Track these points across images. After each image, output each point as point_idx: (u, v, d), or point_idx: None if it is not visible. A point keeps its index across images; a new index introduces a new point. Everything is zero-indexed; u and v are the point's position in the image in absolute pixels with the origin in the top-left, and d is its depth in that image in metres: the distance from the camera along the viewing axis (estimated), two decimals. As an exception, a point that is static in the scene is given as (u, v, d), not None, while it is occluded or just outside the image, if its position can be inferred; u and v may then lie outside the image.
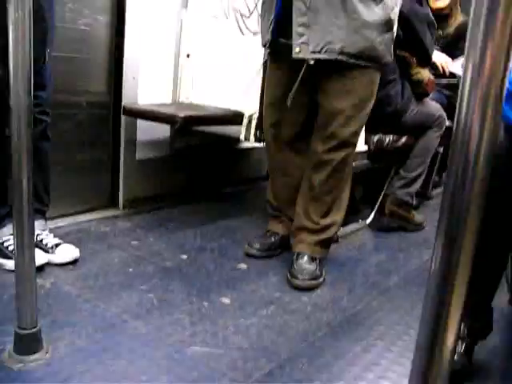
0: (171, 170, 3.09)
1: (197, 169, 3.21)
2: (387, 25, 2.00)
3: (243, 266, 2.26)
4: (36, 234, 2.07)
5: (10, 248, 2.01)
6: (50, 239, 2.13)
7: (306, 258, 2.17)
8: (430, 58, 2.77)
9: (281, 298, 2.00)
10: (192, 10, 2.97)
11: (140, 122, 2.84)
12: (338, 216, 2.25)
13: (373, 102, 2.14)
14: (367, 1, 1.92)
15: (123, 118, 2.78)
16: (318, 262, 2.18)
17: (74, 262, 2.11)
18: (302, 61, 1.97)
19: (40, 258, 1.95)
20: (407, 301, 2.03)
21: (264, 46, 2.16)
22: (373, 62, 2.03)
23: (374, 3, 1.94)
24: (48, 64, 1.94)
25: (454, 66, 3.31)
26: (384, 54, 2.05)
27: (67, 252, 2.11)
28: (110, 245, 2.37)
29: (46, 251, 2.07)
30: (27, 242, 1.30)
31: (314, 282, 2.10)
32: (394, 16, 2.04)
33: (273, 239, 2.38)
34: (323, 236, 2.21)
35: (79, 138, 2.63)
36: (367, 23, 1.93)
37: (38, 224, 2.11)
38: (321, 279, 2.13)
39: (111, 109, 2.81)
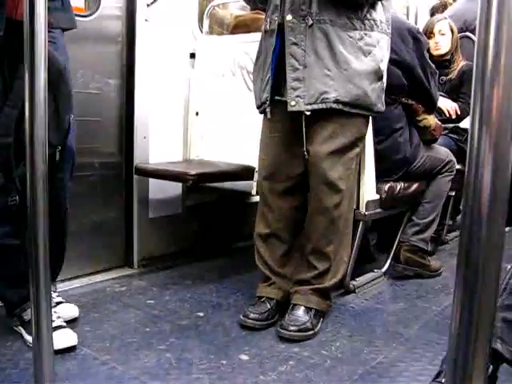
0: (184, 227, 3.10)
1: (209, 225, 3.22)
2: (377, 74, 2.07)
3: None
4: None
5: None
6: (52, 297, 2.08)
7: (300, 310, 2.13)
8: (435, 104, 2.81)
9: (300, 352, 1.96)
10: (199, 70, 3.04)
11: (152, 181, 2.88)
12: (341, 268, 2.22)
13: (358, 150, 2.16)
14: (357, 52, 2.00)
15: (135, 177, 2.82)
16: (313, 314, 2.12)
17: (73, 321, 2.10)
18: (296, 114, 2.03)
19: (70, 339, 1.91)
20: (429, 350, 1.99)
21: (259, 106, 2.19)
22: (365, 110, 2.08)
23: (363, 55, 2.02)
24: (72, 129, 1.94)
25: (465, 122, 3.36)
26: (376, 102, 2.10)
27: (66, 311, 2.09)
28: (125, 304, 2.36)
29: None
30: (44, 308, 1.29)
31: (301, 334, 2.04)
32: (383, 67, 2.11)
33: (268, 306, 2.21)
34: (320, 286, 2.17)
35: (92, 199, 2.67)
36: (358, 72, 2.00)
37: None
38: (310, 332, 2.06)
39: (123, 169, 2.85)
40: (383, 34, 2.10)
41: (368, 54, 2.03)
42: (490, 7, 0.62)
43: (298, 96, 2.00)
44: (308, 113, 2.00)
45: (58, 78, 1.81)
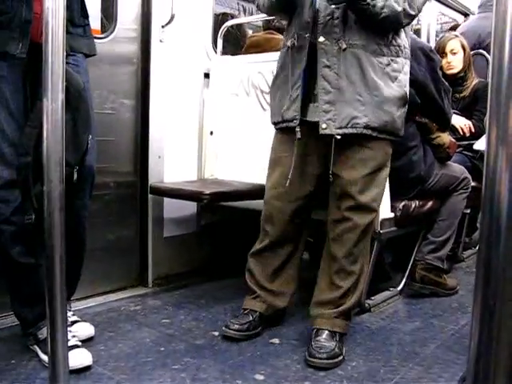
0: (199, 246, 3.11)
1: (224, 244, 3.22)
2: (403, 100, 2.11)
3: (276, 340, 2.23)
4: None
5: None
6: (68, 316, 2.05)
7: (325, 334, 2.10)
8: (449, 122, 2.80)
9: (315, 372, 1.95)
10: (213, 90, 3.07)
11: (167, 200, 2.89)
12: (361, 286, 2.21)
13: (388, 170, 2.19)
14: (385, 79, 2.03)
15: (150, 196, 2.84)
16: (338, 338, 2.10)
17: (88, 340, 2.09)
18: (323, 136, 2.04)
19: (85, 358, 1.91)
20: (446, 370, 1.96)
21: (280, 122, 2.18)
22: (392, 135, 2.12)
23: (390, 81, 2.05)
24: (92, 149, 1.96)
25: (479, 143, 3.34)
26: (401, 127, 2.14)
27: (82, 330, 2.09)
28: (140, 324, 2.36)
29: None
30: (59, 327, 1.30)
31: (331, 362, 2.01)
32: (408, 92, 2.14)
33: (251, 317, 2.25)
34: (344, 307, 2.15)
35: (107, 218, 2.68)
36: (387, 99, 2.03)
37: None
38: (340, 358, 2.03)
39: (138, 188, 2.87)
40: (407, 60, 2.13)
41: (395, 79, 2.06)
42: (504, 26, 0.63)
43: (329, 119, 2.01)
44: (339, 137, 2.01)
45: (77, 98, 1.84)
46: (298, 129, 2.08)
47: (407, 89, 2.13)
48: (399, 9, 1.94)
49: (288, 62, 2.13)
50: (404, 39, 2.11)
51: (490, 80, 0.64)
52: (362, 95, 2.00)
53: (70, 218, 2.01)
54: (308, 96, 2.10)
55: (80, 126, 1.86)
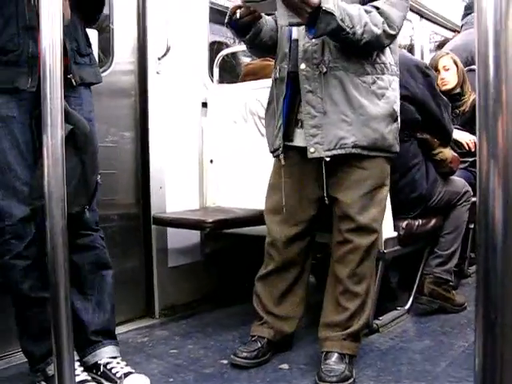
0: (204, 274, 3.11)
1: (229, 271, 3.22)
2: (392, 116, 2.10)
3: (285, 366, 2.21)
4: (106, 361, 2.03)
5: (114, 371, 1.99)
6: (120, 368, 2.02)
7: (334, 357, 2.08)
8: (450, 137, 2.81)
9: (326, 396, 1.94)
10: (211, 118, 3.10)
11: (170, 230, 2.90)
12: (368, 307, 2.20)
13: (387, 188, 2.19)
14: (371, 97, 2.04)
15: (153, 227, 2.85)
16: (347, 360, 2.08)
17: None
18: (315, 159, 2.06)
19: None
20: (458, 388, 1.95)
21: (272, 151, 2.24)
22: (383, 151, 2.11)
23: (376, 98, 2.05)
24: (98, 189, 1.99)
25: None
26: (393, 143, 2.13)
27: (136, 383, 2.00)
28: (148, 355, 2.35)
29: (114, 381, 1.97)
30: (66, 362, 1.29)
31: None
32: (397, 108, 2.14)
33: (259, 344, 2.25)
34: (353, 329, 2.13)
35: (111, 251, 2.66)
36: (374, 116, 2.03)
37: (109, 350, 2.07)
38: (350, 380, 2.01)
39: (141, 219, 2.89)
40: (394, 76, 2.14)
41: (382, 96, 2.06)
42: (487, 43, 0.64)
43: (316, 143, 2.03)
44: (328, 159, 2.03)
45: (84, 141, 1.88)
46: (281, 156, 2.14)
47: (397, 105, 2.13)
48: (379, 32, 1.96)
49: (274, 93, 2.20)
50: (389, 56, 2.12)
51: (477, 96, 0.65)
52: (347, 115, 2.01)
53: (88, 256, 2.05)
54: (294, 122, 2.13)
55: (88, 168, 1.90)
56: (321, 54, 2.02)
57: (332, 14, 1.80)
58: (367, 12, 1.94)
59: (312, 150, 2.04)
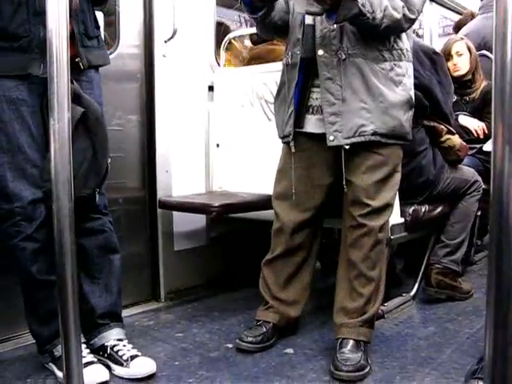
0: (210, 258, 3.11)
1: (235, 255, 3.22)
2: (409, 103, 2.10)
3: (290, 350, 2.22)
4: (113, 344, 2.04)
5: (120, 353, 2.01)
6: (126, 350, 2.03)
7: (350, 344, 2.06)
8: (449, 124, 2.78)
9: (331, 381, 1.94)
10: (218, 102, 3.08)
11: (176, 214, 2.90)
12: (381, 292, 2.20)
13: (399, 174, 2.18)
14: (389, 84, 2.03)
15: (159, 211, 2.85)
16: (363, 348, 2.07)
17: (150, 377, 1.98)
18: (324, 145, 2.05)
19: (101, 374, 1.92)
20: (463, 374, 1.94)
21: (282, 137, 2.23)
22: (401, 139, 2.11)
23: (394, 85, 2.04)
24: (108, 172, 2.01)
25: (489, 144, 3.34)
26: (409, 131, 2.13)
27: (142, 366, 1.99)
28: (154, 338, 2.36)
29: (121, 364, 1.98)
30: (73, 344, 1.29)
31: (358, 374, 1.97)
32: (413, 95, 2.13)
33: (264, 329, 2.25)
34: (368, 315, 2.12)
35: (117, 234, 2.68)
36: (393, 104, 2.02)
37: (116, 333, 2.08)
38: (366, 369, 2.00)
39: (147, 203, 2.89)
40: (410, 63, 2.13)
41: (399, 83, 2.05)
42: (506, 26, 0.63)
43: (336, 130, 2.02)
44: (347, 147, 2.02)
45: (95, 125, 1.90)
46: (291, 143, 2.14)
47: (412, 92, 2.13)
48: (399, 16, 1.94)
49: (285, 79, 2.18)
50: (406, 42, 2.10)
51: (493, 81, 0.64)
52: (366, 103, 2.00)
53: (100, 239, 2.07)
54: (304, 108, 2.12)
55: (99, 151, 1.92)
56: (339, 40, 2.00)
57: (354, 0, 1.79)
58: None
59: (331, 137, 2.03)
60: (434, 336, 2.36)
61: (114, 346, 2.04)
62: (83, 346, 1.92)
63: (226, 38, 3.20)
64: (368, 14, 1.85)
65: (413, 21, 2.03)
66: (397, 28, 1.99)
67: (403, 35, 2.09)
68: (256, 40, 3.40)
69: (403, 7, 1.94)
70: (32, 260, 1.89)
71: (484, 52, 3.76)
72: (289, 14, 2.20)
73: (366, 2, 1.83)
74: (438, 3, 5.01)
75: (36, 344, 2.03)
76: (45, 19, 1.56)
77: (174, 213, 2.90)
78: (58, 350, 1.92)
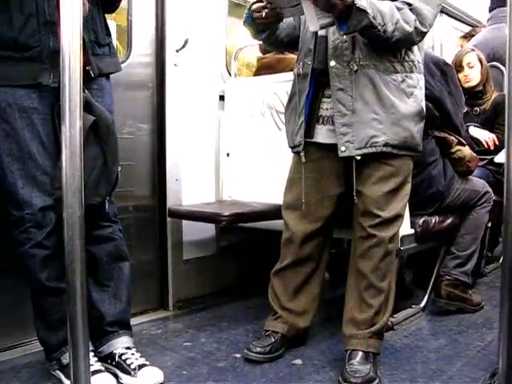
0: (219, 268, 3.11)
1: (244, 265, 3.22)
2: (420, 115, 2.10)
3: (298, 361, 2.20)
4: (121, 352, 2.03)
5: (128, 362, 2.00)
6: (134, 359, 2.02)
7: (359, 356, 2.05)
8: (460, 135, 2.78)
9: (340, 392, 1.93)
10: (229, 111, 3.09)
11: (185, 223, 2.90)
12: (391, 304, 2.18)
13: (409, 185, 2.17)
14: (401, 95, 2.03)
15: (169, 219, 2.85)
16: (372, 359, 2.05)
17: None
18: (335, 156, 2.05)
19: (108, 383, 1.91)
20: (473, 388, 1.93)
21: (292, 147, 2.23)
22: (412, 151, 2.11)
23: (406, 97, 2.04)
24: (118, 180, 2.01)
25: (500, 156, 3.33)
26: (419, 142, 2.13)
27: (150, 375, 1.98)
28: (162, 347, 2.36)
29: (128, 373, 1.97)
30: (81, 352, 1.29)
31: None
32: (424, 107, 2.13)
33: (272, 339, 2.23)
34: (378, 326, 2.10)
35: (127, 242, 2.68)
36: (404, 115, 2.02)
37: (125, 340, 2.08)
38: (376, 382, 1.97)
39: (157, 212, 2.89)
40: (421, 74, 2.13)
41: (410, 95, 2.05)
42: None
43: (347, 141, 2.02)
44: (359, 157, 2.02)
45: (106, 133, 1.92)
46: (302, 154, 2.14)
47: (423, 103, 2.13)
48: (410, 29, 1.94)
49: (296, 89, 2.18)
50: (417, 54, 2.11)
51: (506, 92, 0.64)
52: (378, 114, 2.00)
53: (110, 246, 2.07)
54: (315, 118, 2.13)
55: (109, 159, 1.93)
56: (351, 51, 2.00)
57: (365, 11, 1.79)
58: (398, 9, 1.92)
59: (343, 148, 2.03)
60: (444, 348, 2.34)
61: (123, 354, 2.03)
62: (91, 353, 1.92)
63: (237, 48, 3.21)
64: (379, 27, 1.85)
65: (424, 34, 2.02)
66: (408, 41, 2.00)
67: (415, 47, 2.09)
68: (266, 49, 3.41)
69: (415, 20, 1.94)
70: (41, 267, 1.90)
71: (495, 63, 3.76)
72: (298, 29, 2.22)
73: (378, 14, 1.84)
74: (448, 15, 5.02)
75: (44, 351, 2.03)
76: (55, 29, 1.58)
77: (184, 222, 2.91)
78: (66, 358, 1.91)
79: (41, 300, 1.96)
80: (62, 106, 1.18)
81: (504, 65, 3.30)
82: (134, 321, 2.63)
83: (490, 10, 4.47)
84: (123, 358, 2.02)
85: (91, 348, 1.95)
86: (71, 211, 1.21)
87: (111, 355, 2.04)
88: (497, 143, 3.45)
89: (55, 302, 1.92)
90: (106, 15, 2.09)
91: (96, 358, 1.99)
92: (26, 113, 1.86)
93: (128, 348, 2.06)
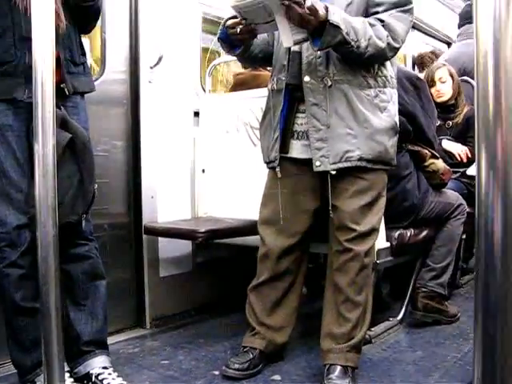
0: (196, 284, 3.09)
1: (221, 281, 3.20)
2: (393, 129, 2.13)
3: (277, 377, 2.20)
4: (98, 372, 2.00)
5: (105, 382, 1.97)
6: (111, 379, 2.00)
7: (337, 370, 2.05)
8: (434, 149, 2.81)
9: (319, 407, 1.92)
10: (204, 127, 3.09)
11: (161, 240, 2.88)
12: (368, 317, 2.19)
13: (384, 199, 2.19)
14: (374, 110, 2.05)
15: (145, 237, 2.83)
16: (351, 374, 2.06)
17: None
18: (310, 170, 2.07)
19: None
20: (451, 399, 1.94)
21: (268, 162, 2.24)
22: (386, 164, 2.14)
23: (379, 111, 2.06)
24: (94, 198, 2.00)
25: (472, 169, 3.39)
26: (393, 156, 2.16)
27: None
28: (139, 366, 2.33)
29: None
30: (56, 373, 1.27)
31: None
32: (397, 121, 2.16)
33: (251, 355, 2.22)
34: (356, 340, 2.11)
35: (102, 260, 2.65)
36: (378, 129, 2.05)
37: (101, 360, 2.05)
38: None
39: (132, 229, 2.87)
40: (394, 89, 2.16)
41: (384, 110, 2.08)
42: (486, 53, 0.64)
43: (322, 156, 2.03)
44: (334, 172, 2.03)
45: (82, 150, 1.91)
46: (277, 169, 2.15)
47: (397, 118, 2.15)
48: (383, 45, 1.97)
49: (270, 105, 2.20)
50: (390, 69, 2.14)
51: (475, 107, 0.65)
52: (352, 128, 2.02)
53: (86, 265, 2.05)
54: (290, 133, 2.14)
55: (86, 177, 1.92)
56: (325, 66, 2.03)
57: (338, 28, 1.82)
58: (371, 25, 1.95)
59: (318, 163, 2.04)
60: (421, 360, 2.35)
61: (99, 374, 2.00)
62: (67, 374, 1.89)
63: (212, 65, 3.22)
64: (352, 43, 1.88)
65: (397, 49, 2.06)
66: (381, 56, 2.02)
67: (387, 62, 2.12)
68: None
69: (387, 36, 1.97)
70: (16, 287, 1.87)
71: (465, 78, 3.82)
72: (272, 45, 2.24)
73: (351, 30, 1.86)
74: (420, 30, 5.10)
75: (17, 374, 1.99)
76: (30, 45, 1.57)
77: (160, 239, 2.88)
78: (41, 380, 1.88)
79: (15, 320, 1.92)
80: (35, 124, 1.17)
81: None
82: (110, 339, 2.59)
83: (459, 26, 4.57)
84: (100, 377, 1.99)
85: (67, 369, 1.92)
86: (45, 231, 1.19)
87: (88, 375, 2.01)
88: (469, 156, 3.50)
89: (30, 322, 1.88)
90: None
91: (72, 379, 1.96)
92: (1, 130, 1.85)
93: (105, 368, 2.03)
